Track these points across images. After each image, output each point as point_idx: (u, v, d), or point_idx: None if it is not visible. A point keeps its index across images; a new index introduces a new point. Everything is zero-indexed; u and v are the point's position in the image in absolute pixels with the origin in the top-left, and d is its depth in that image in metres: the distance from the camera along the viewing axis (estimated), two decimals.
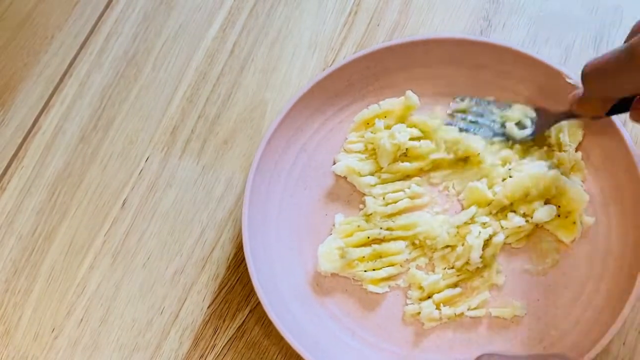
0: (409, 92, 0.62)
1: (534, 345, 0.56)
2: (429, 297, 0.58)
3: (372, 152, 0.62)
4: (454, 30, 0.67)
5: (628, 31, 0.48)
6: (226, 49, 0.69)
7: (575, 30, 0.67)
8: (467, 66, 0.63)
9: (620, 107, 0.52)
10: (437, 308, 0.57)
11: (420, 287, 0.58)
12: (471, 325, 0.57)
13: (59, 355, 0.59)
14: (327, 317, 0.58)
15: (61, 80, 0.68)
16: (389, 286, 0.59)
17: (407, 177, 0.62)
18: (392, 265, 0.59)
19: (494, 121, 0.62)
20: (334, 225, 0.61)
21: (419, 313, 0.57)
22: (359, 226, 0.60)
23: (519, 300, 0.57)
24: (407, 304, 0.58)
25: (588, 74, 0.49)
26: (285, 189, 0.62)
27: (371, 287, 0.59)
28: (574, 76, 0.59)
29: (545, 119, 0.60)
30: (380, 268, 0.59)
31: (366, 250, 0.59)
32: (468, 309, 0.57)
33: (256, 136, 0.65)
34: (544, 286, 0.58)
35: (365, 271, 0.59)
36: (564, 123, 0.60)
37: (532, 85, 0.62)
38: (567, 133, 0.60)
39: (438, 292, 0.58)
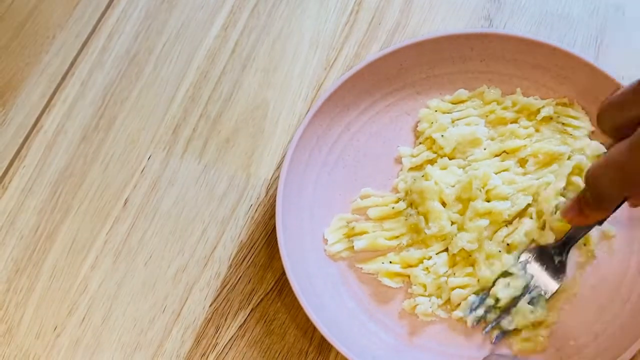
0: None
1: (551, 353, 0.55)
2: (452, 290, 0.57)
3: None
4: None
5: (628, 31, 0.47)
6: (228, 48, 0.69)
7: (576, 30, 0.67)
8: (524, 66, 0.62)
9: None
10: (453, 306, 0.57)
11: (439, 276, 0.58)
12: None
13: (61, 353, 0.59)
14: (349, 297, 0.58)
15: (63, 79, 0.68)
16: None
17: None
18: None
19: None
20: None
21: (440, 305, 0.57)
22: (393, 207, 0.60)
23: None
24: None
25: (604, 111, 0.45)
26: (325, 165, 0.62)
27: (386, 282, 0.59)
28: None
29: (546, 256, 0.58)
30: None
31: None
32: None
33: (258, 135, 0.65)
34: (570, 296, 0.57)
35: (390, 262, 0.59)
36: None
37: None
38: None
39: (459, 287, 0.57)
